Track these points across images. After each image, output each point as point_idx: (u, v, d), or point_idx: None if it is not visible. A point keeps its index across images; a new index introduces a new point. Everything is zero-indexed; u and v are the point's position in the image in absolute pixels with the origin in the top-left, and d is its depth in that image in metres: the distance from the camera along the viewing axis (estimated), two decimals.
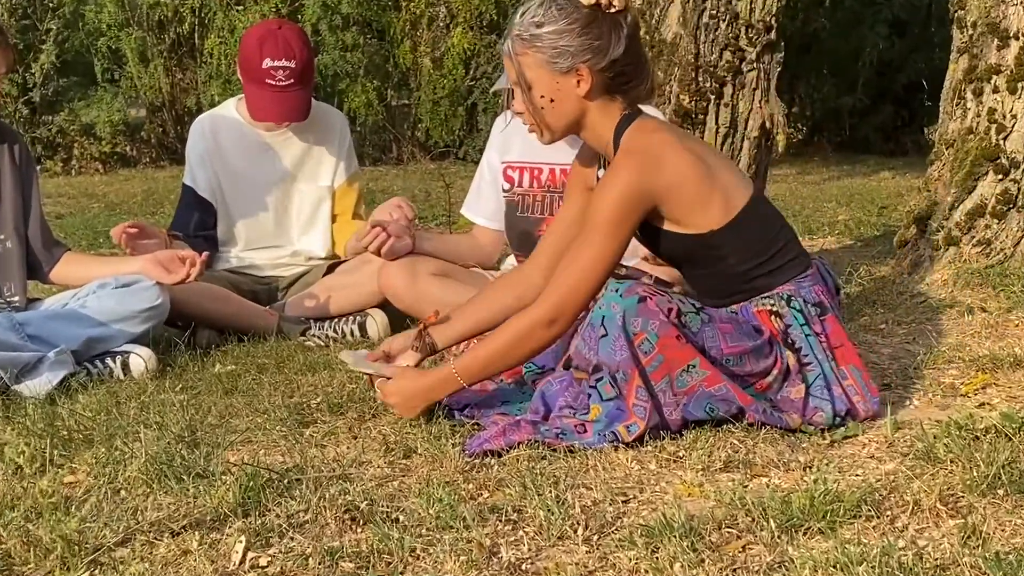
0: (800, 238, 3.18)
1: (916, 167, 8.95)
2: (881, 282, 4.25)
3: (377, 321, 3.73)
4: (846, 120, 11.96)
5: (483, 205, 3.77)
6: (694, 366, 2.47)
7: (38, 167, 3.97)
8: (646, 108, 2.88)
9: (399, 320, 3.78)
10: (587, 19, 2.59)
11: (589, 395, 2.49)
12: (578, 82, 2.61)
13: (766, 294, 2.62)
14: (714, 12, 4.40)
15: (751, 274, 2.63)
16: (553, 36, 2.59)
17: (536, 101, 2.65)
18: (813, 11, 11.16)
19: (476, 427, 2.62)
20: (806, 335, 2.59)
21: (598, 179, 2.77)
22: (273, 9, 9.63)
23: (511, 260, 3.81)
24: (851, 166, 10.31)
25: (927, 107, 11.17)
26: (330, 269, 3.99)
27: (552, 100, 2.64)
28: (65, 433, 2.65)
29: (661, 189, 2.55)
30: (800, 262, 2.67)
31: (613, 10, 2.61)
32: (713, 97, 4.57)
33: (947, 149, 4.25)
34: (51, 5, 10.11)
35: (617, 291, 2.49)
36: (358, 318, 3.75)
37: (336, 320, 3.77)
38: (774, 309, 2.60)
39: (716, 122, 4.58)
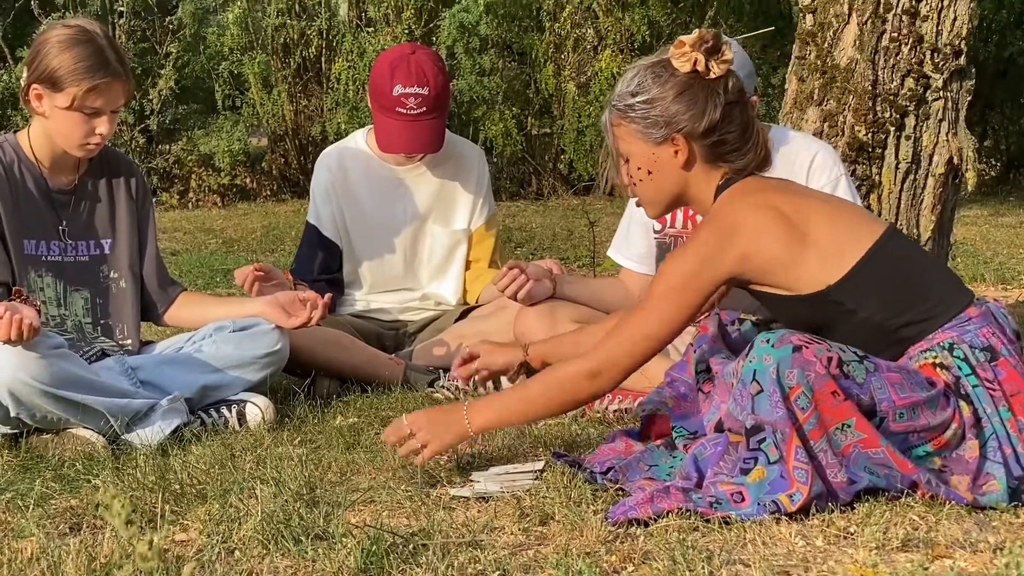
0: (992, 287, 3.12)
1: None
2: None
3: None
4: None
5: (632, 247, 3.78)
6: (849, 425, 2.45)
7: (154, 199, 4.11)
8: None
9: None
10: (682, 86, 2.68)
11: (754, 458, 2.47)
12: (675, 152, 2.70)
13: (923, 346, 2.59)
14: (895, 34, 4.35)
15: (893, 324, 2.61)
16: (646, 105, 2.70)
17: (635, 175, 2.75)
18: (1009, 33, 10.96)
19: (620, 492, 2.62)
20: (974, 385, 2.54)
21: None
22: (406, 31, 9.82)
23: None
24: None
25: None
26: (463, 315, 4.04)
27: (650, 172, 2.74)
28: (177, 487, 2.73)
29: (734, 259, 2.62)
30: (957, 302, 2.63)
31: (712, 76, 2.68)
32: (893, 129, 4.51)
33: None
34: (171, 27, 10.46)
35: (768, 341, 2.49)
36: None
37: None
38: (937, 361, 2.56)
39: (896, 156, 4.52)
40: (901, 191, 4.55)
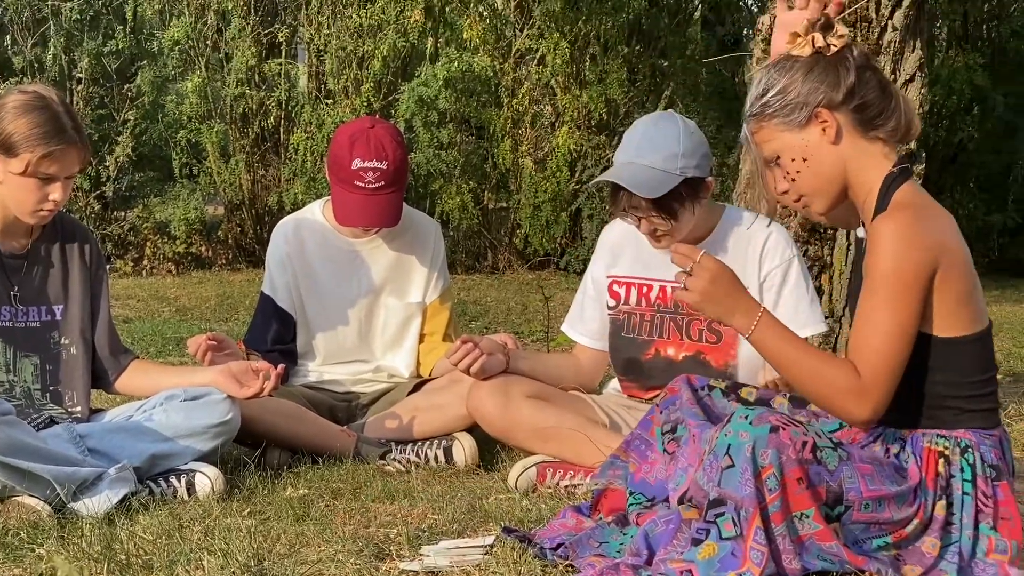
0: None
1: None
2: None
3: (465, 447, 3.76)
4: (995, 240, 11.84)
5: (586, 323, 3.81)
6: (807, 515, 2.46)
7: (108, 266, 4.10)
8: None
9: (489, 446, 3.80)
10: (808, 66, 2.65)
11: (707, 531, 2.47)
12: (823, 128, 2.65)
13: (944, 432, 2.61)
14: None
15: (946, 403, 2.61)
16: (779, 95, 2.65)
17: (791, 169, 2.68)
18: (959, 119, 11.14)
19: (570, 569, 2.61)
20: (965, 492, 2.56)
21: (861, 241, 2.78)
22: (365, 103, 9.87)
23: (615, 384, 3.82)
24: (1000, 291, 10.17)
25: None
26: (416, 388, 4.04)
27: (805, 160, 2.67)
28: (123, 558, 2.70)
29: (940, 247, 2.53)
30: (992, 417, 2.65)
31: (833, 51, 2.66)
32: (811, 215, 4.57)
33: None
34: (130, 95, 10.48)
35: (747, 418, 2.49)
36: (444, 442, 3.78)
37: (420, 444, 3.80)
38: (945, 452, 2.58)
39: (848, 237, 4.58)
40: (852, 272, 4.59)
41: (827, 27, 2.68)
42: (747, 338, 2.65)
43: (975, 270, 2.62)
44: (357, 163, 3.94)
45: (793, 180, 2.68)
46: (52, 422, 3.44)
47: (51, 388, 3.52)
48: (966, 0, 10.55)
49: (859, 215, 2.72)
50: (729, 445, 2.47)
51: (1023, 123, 10.95)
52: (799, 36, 2.67)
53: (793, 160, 2.67)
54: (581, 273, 3.84)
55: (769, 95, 2.66)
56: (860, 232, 2.77)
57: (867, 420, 2.55)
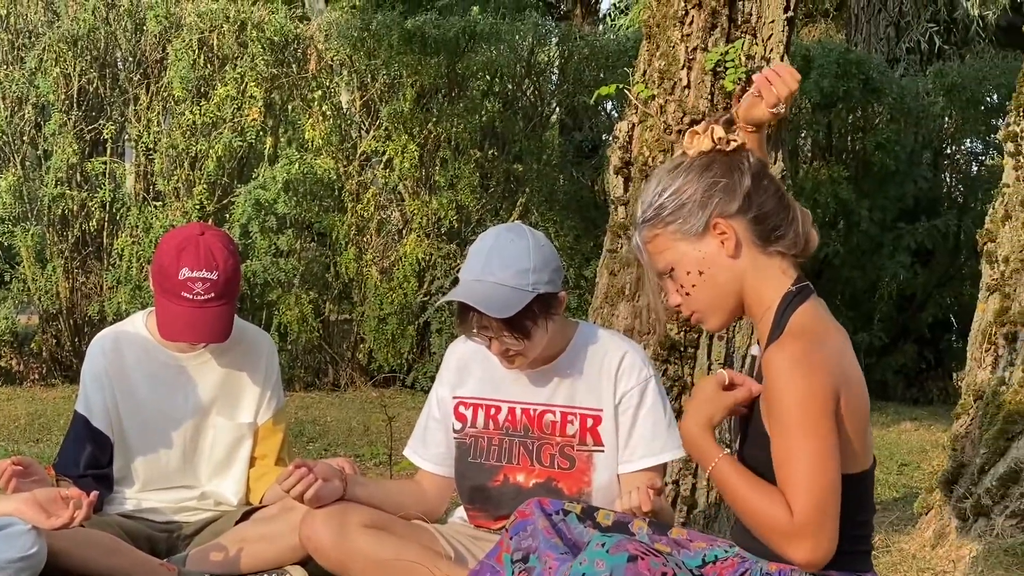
0: None
1: (943, 418, 9.05)
2: (900, 555, 4.26)
3: None
4: (862, 360, 12.15)
5: (430, 447, 3.79)
6: None
7: None
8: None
9: None
10: (703, 165, 2.69)
11: None
12: (721, 241, 2.67)
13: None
14: None
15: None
16: (674, 197, 2.68)
17: (686, 282, 2.69)
18: (824, 234, 11.46)
19: None
20: None
21: (755, 360, 2.79)
22: (197, 206, 9.80)
23: (460, 512, 3.80)
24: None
25: (956, 349, 11.36)
26: (245, 516, 3.97)
27: (701, 273, 2.68)
28: None
29: (840, 372, 2.56)
30: (866, 560, 2.70)
31: (730, 148, 2.69)
32: (705, 329, 4.66)
33: (976, 401, 4.33)
34: None
35: (603, 545, 2.49)
36: None
37: None
38: None
39: (708, 357, 4.66)
40: None
41: (729, 123, 2.74)
42: (712, 466, 2.65)
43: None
44: (184, 272, 3.89)
45: (687, 294, 2.71)
46: None
47: None
48: (830, 111, 10.90)
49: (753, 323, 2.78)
50: (584, 574, 2.47)
51: (888, 239, 11.30)
52: (698, 134, 2.71)
53: (689, 273, 2.70)
54: (428, 391, 3.84)
55: (664, 196, 2.69)
56: (754, 350, 2.81)
57: (807, 562, 2.54)
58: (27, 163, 10.18)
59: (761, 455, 2.65)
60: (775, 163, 4.72)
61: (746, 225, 2.68)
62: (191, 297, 3.89)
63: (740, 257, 2.69)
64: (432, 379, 8.57)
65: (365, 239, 10.36)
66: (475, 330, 3.50)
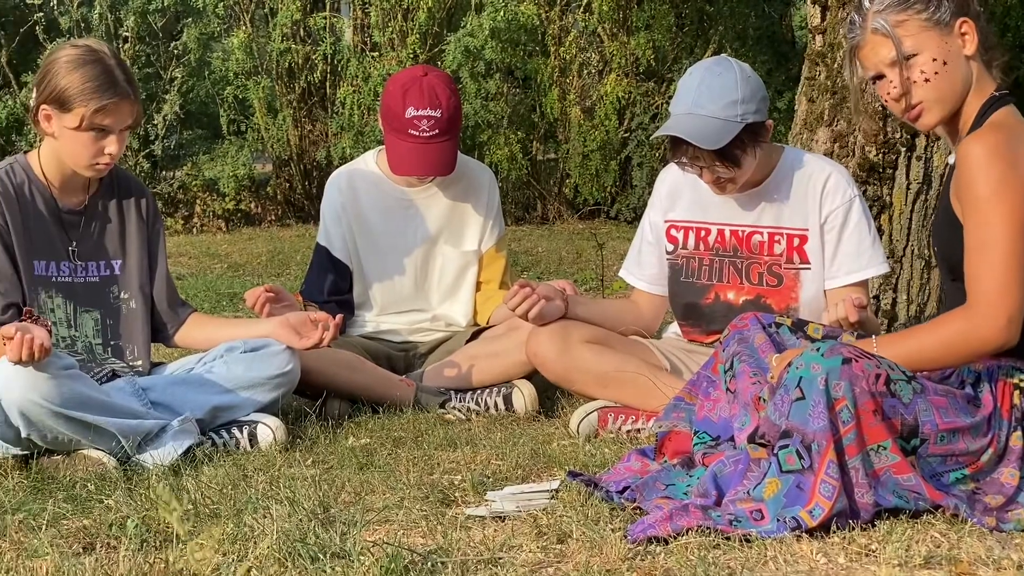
0: None
1: None
2: None
3: (524, 394, 3.76)
4: None
5: (644, 268, 3.78)
6: (885, 447, 2.44)
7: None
8: None
9: (549, 391, 3.80)
10: None
11: (768, 466, 2.46)
12: (963, 40, 2.64)
13: (1018, 365, 2.57)
14: None
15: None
16: None
17: (928, 69, 2.63)
18: (1015, 56, 10.96)
19: (638, 511, 2.61)
20: None
21: (949, 167, 2.74)
22: (411, 56, 9.83)
23: (674, 328, 3.80)
24: None
25: None
26: (474, 336, 4.04)
27: (945, 63, 2.64)
28: (191, 507, 2.72)
29: None
30: None
31: None
32: (904, 149, 4.53)
33: None
34: (176, 53, 10.48)
35: (819, 350, 2.47)
36: (503, 390, 3.79)
37: (479, 392, 3.80)
38: (1021, 385, 2.55)
39: (907, 177, 4.54)
40: (912, 211, 4.56)
41: None
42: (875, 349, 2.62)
43: None
44: (411, 111, 3.93)
45: (927, 80, 2.63)
46: (114, 376, 3.47)
47: (112, 342, 3.54)
48: None
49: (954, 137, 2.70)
50: (800, 378, 2.46)
51: None
52: None
53: (935, 60, 2.63)
54: (632, 222, 3.83)
55: None
56: (951, 159, 2.73)
57: (994, 335, 2.49)
58: (255, 21, 10.34)
59: (946, 232, 2.65)
60: None
61: (977, 29, 2.64)
62: (418, 134, 3.93)
63: (973, 59, 2.65)
64: (635, 211, 8.48)
65: (567, 81, 10.28)
66: (687, 161, 3.46)
